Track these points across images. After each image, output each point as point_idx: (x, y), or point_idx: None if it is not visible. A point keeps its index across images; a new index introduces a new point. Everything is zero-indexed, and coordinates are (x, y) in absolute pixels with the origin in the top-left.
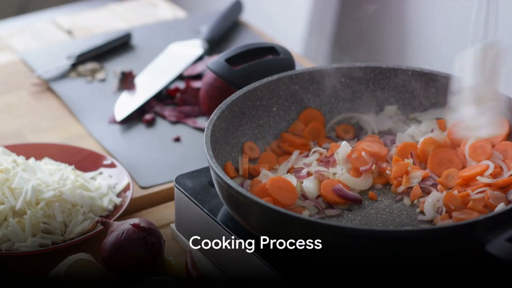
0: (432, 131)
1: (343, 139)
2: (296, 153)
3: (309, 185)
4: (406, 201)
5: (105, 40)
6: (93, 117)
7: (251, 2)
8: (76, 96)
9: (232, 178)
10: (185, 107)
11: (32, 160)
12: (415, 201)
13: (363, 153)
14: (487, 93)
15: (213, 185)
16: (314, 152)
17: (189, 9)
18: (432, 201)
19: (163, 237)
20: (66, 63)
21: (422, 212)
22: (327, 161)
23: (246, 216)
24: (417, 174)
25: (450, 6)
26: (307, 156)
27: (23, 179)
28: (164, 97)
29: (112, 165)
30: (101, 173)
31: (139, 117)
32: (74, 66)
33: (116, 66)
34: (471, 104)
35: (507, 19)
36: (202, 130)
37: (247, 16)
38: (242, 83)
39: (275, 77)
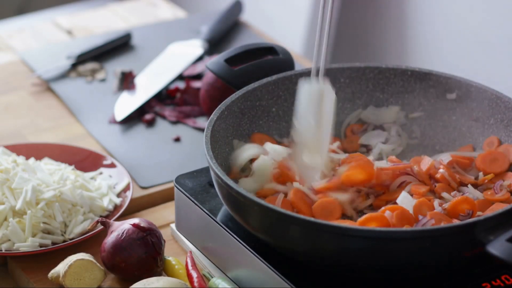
0: None
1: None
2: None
3: None
4: None
5: (105, 40)
6: (93, 117)
7: (251, 2)
8: (76, 96)
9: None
10: (185, 107)
11: (32, 160)
12: None
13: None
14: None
15: (213, 185)
16: None
17: (189, 9)
18: None
19: (163, 237)
20: (66, 63)
21: None
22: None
23: (246, 217)
24: None
25: (449, 6)
26: None
27: (23, 179)
28: (164, 97)
29: (112, 165)
30: (101, 173)
31: (139, 117)
32: (74, 66)
33: (116, 66)
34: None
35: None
36: (202, 130)
37: (247, 16)
38: (241, 83)
39: (274, 77)
